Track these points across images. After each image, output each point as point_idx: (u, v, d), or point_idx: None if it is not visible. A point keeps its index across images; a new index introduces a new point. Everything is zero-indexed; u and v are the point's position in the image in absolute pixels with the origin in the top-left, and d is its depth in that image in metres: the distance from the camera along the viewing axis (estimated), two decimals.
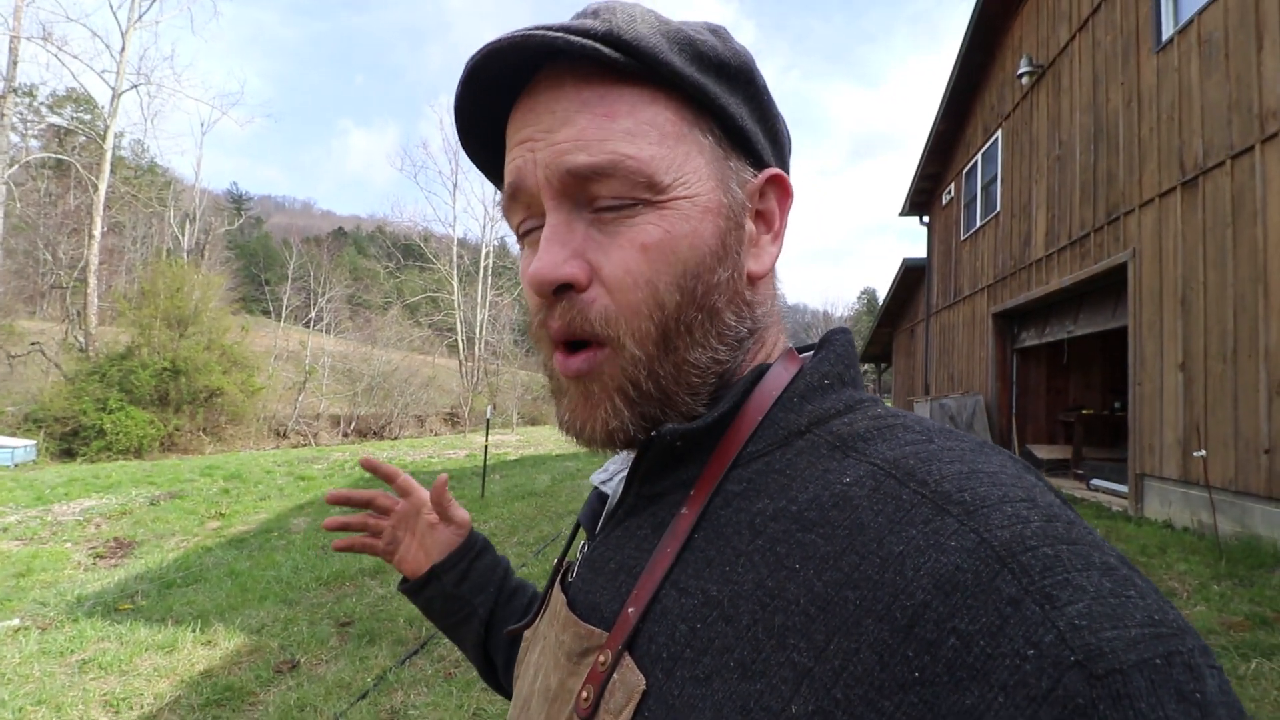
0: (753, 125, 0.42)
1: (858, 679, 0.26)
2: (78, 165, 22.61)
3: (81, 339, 19.88)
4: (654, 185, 0.37)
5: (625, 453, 0.47)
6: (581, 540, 0.50)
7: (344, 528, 0.69)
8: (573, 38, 0.35)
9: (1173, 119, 5.44)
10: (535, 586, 0.71)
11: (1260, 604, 3.48)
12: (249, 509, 7.61)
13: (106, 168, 21.61)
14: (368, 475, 9.90)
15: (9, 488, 8.86)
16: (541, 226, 0.39)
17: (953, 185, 11.39)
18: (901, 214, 13.25)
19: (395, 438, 24.01)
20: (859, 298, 76.68)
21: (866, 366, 21.79)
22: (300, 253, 38.43)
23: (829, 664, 0.27)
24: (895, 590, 0.26)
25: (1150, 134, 5.75)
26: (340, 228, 74.46)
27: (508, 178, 0.40)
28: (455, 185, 37.22)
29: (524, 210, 0.40)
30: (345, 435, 24.99)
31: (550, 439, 17.20)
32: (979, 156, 10.15)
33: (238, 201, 55.80)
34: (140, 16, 22.78)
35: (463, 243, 37.98)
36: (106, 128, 22.16)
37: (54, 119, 26.75)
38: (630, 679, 0.34)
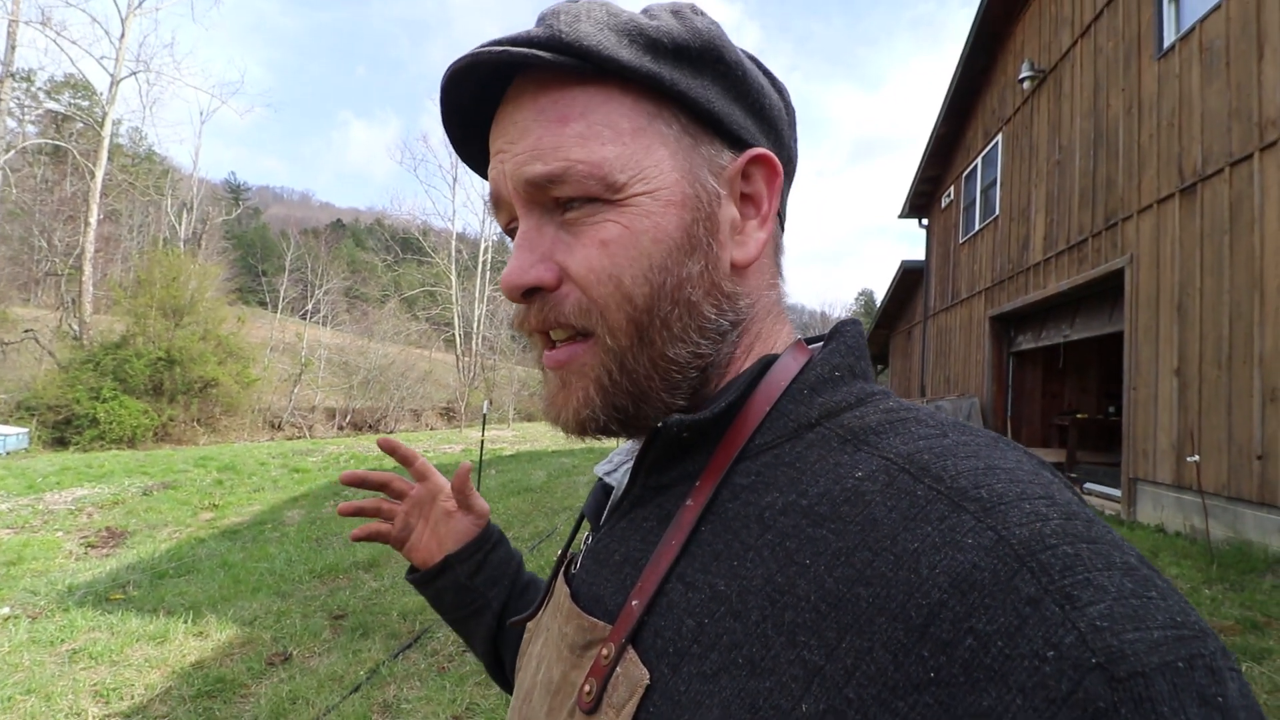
0: (725, 106, 0.40)
1: (871, 678, 0.25)
2: (75, 152, 22.46)
3: (76, 327, 19.76)
4: (610, 185, 0.37)
5: (630, 443, 0.47)
6: (586, 532, 0.50)
7: (358, 512, 0.66)
8: (514, 49, 0.36)
9: (1173, 126, 5.45)
10: (545, 581, 0.71)
11: (1251, 608, 3.51)
12: (243, 500, 7.59)
13: (104, 155, 21.45)
14: (367, 460, 9.89)
15: (0, 476, 8.81)
16: None
17: (952, 188, 11.41)
18: (901, 216, 13.28)
19: (391, 431, 23.97)
20: (857, 299, 76.79)
21: None
22: (298, 244, 38.32)
23: (841, 663, 0.26)
24: (910, 588, 0.26)
25: (1150, 140, 5.76)
26: (339, 220, 74.15)
27: (489, 188, 0.42)
28: (455, 179, 37.09)
29: (507, 214, 0.42)
30: (340, 428, 24.94)
31: (546, 435, 17.20)
32: (979, 160, 10.16)
33: (236, 191, 55.48)
34: (141, 3, 22.62)
35: (461, 237, 37.88)
36: (104, 114, 22.00)
37: (51, 105, 26.59)
38: (634, 673, 0.33)
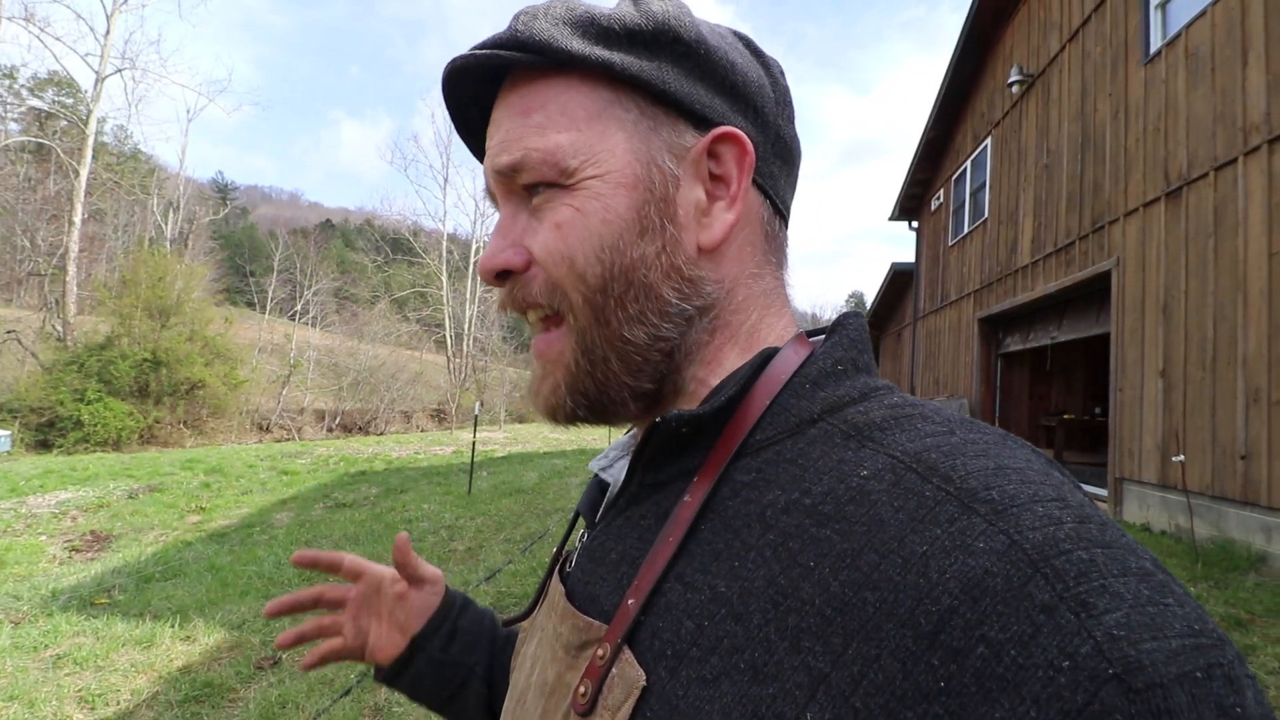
0: (685, 86, 0.39)
1: (878, 687, 0.24)
2: (59, 150, 22.17)
3: (59, 328, 19.47)
4: (563, 170, 0.39)
5: (626, 439, 0.47)
6: (581, 529, 0.49)
7: (300, 640, 0.60)
8: (480, 52, 0.39)
9: (1159, 130, 5.52)
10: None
11: (1235, 605, 3.56)
12: (230, 503, 7.51)
13: (88, 153, 21.17)
14: (345, 477, 9.81)
15: None
16: None
17: (942, 191, 11.51)
18: (891, 219, 13.39)
19: (381, 433, 23.80)
20: (847, 300, 77.25)
21: None
22: (287, 244, 37.91)
23: (847, 670, 0.25)
24: (919, 593, 0.25)
25: (1136, 145, 5.84)
26: (328, 220, 73.59)
27: (485, 183, 0.45)
28: (446, 180, 36.89)
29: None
30: (330, 430, 24.71)
31: (538, 436, 17.14)
32: (968, 163, 10.26)
33: (223, 191, 54.99)
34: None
35: (452, 238, 37.67)
36: (89, 112, 21.71)
37: (35, 102, 26.18)
38: (630, 674, 0.32)
